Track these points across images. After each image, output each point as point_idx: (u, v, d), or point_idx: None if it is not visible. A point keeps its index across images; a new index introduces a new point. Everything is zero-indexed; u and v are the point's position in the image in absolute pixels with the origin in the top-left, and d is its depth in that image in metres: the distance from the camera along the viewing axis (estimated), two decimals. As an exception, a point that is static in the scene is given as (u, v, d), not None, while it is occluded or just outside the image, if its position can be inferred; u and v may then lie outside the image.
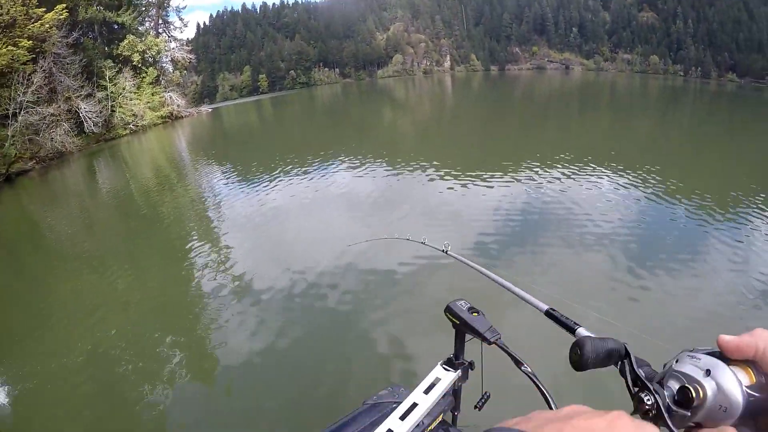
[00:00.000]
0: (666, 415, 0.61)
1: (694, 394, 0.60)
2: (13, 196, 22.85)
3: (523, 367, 1.58)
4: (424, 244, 2.60)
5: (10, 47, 28.20)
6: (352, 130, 28.74)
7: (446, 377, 1.72)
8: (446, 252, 2.15)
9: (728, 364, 0.61)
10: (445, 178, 13.39)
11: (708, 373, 0.61)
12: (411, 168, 14.79)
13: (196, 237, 11.12)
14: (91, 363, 6.35)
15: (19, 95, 29.28)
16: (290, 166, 16.47)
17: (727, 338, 0.62)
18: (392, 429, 1.40)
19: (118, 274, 9.77)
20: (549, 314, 1.38)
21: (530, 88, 55.93)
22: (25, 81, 29.91)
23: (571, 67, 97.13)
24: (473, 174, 13.46)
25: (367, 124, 31.96)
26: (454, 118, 33.27)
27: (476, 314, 1.66)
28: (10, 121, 28.42)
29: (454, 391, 1.78)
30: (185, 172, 21.92)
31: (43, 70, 31.63)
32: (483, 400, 1.83)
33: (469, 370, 1.80)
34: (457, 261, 2.04)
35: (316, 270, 8.01)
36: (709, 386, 0.60)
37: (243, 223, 11.71)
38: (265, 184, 14.90)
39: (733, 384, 0.59)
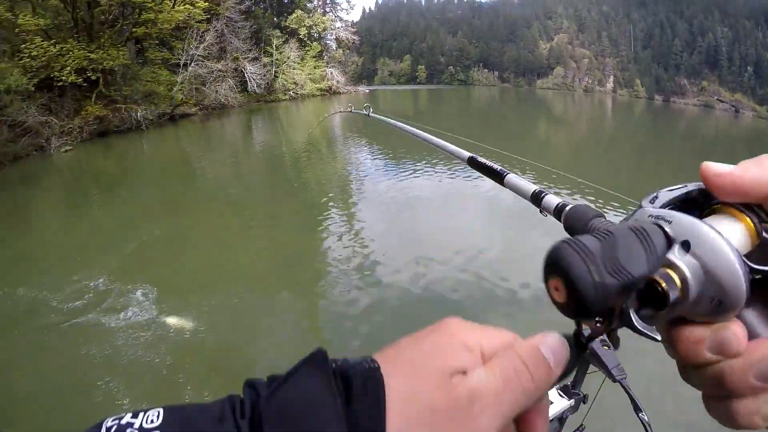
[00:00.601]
0: (634, 319, 0.38)
1: (666, 288, 0.34)
2: (174, 134, 24.85)
3: (640, 414, 1.51)
4: (350, 112, 2.73)
5: (187, 5, 29.87)
6: (506, 136, 26.14)
7: (559, 403, 1.74)
8: (368, 115, 2.24)
9: (714, 212, 0.38)
10: (598, 202, 11.78)
11: (686, 247, 0.35)
12: (558, 185, 13.16)
13: (334, 206, 11.15)
14: (210, 294, 6.65)
15: (191, 48, 31.33)
16: (438, 159, 15.30)
17: (717, 169, 0.37)
18: None
19: (254, 222, 10.44)
20: (472, 161, 1.23)
21: (694, 127, 48.32)
22: (199, 37, 31.94)
23: (742, 111, 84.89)
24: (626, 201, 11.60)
25: (522, 133, 29.13)
26: (611, 143, 29.43)
27: (607, 347, 1.53)
28: (180, 70, 30.62)
29: (560, 419, 1.77)
30: (336, 143, 21.89)
31: (216, 30, 33.57)
32: None
33: (583, 402, 1.79)
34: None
35: (440, 266, 7.58)
36: (691, 270, 0.34)
37: (381, 203, 11.58)
38: (410, 172, 14.37)
39: (729, 263, 0.34)
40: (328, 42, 53.74)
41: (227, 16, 35.72)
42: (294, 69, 44.75)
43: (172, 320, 5.90)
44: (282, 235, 9.49)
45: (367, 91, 62.89)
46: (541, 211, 0.87)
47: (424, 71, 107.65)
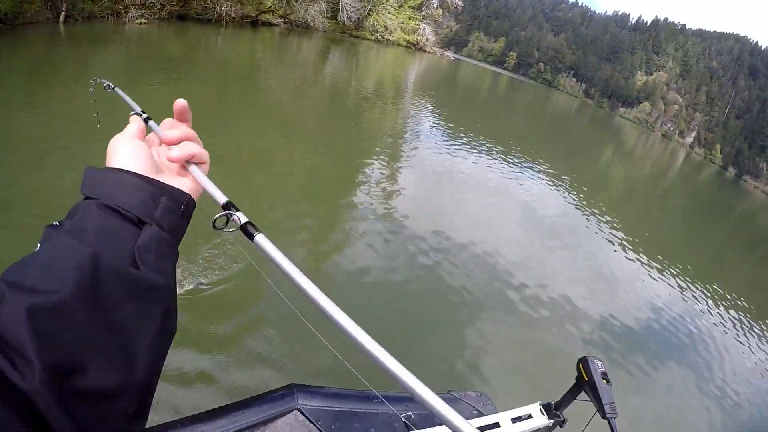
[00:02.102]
0: None
1: None
2: (250, 38, 24.72)
3: None
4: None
5: None
6: (564, 151, 24.50)
7: (538, 420, 1.74)
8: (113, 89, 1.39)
9: None
10: (629, 250, 11.40)
11: None
12: (589, 216, 12.83)
13: (380, 155, 11.31)
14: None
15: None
16: (492, 149, 15.57)
17: None
18: None
19: (297, 143, 10.47)
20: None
21: (752, 215, 38.80)
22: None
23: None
24: (657, 259, 11.49)
25: (584, 154, 27.40)
26: (662, 197, 25.24)
27: (607, 382, 1.54)
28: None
29: None
30: (402, 98, 21.39)
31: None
32: None
33: (560, 426, 1.77)
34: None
35: (454, 248, 7.66)
36: None
37: (425, 169, 11.63)
38: (462, 150, 14.36)
39: None
40: (431, -2, 52.36)
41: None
42: (389, 13, 43.68)
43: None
44: (321, 161, 9.79)
45: (452, 58, 61.15)
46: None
47: (514, 59, 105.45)
